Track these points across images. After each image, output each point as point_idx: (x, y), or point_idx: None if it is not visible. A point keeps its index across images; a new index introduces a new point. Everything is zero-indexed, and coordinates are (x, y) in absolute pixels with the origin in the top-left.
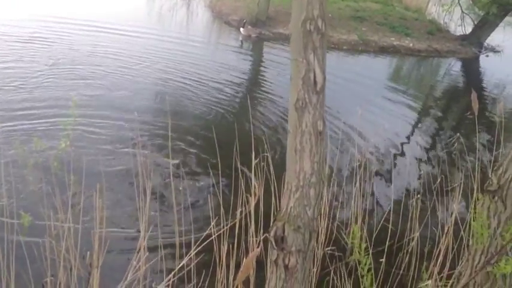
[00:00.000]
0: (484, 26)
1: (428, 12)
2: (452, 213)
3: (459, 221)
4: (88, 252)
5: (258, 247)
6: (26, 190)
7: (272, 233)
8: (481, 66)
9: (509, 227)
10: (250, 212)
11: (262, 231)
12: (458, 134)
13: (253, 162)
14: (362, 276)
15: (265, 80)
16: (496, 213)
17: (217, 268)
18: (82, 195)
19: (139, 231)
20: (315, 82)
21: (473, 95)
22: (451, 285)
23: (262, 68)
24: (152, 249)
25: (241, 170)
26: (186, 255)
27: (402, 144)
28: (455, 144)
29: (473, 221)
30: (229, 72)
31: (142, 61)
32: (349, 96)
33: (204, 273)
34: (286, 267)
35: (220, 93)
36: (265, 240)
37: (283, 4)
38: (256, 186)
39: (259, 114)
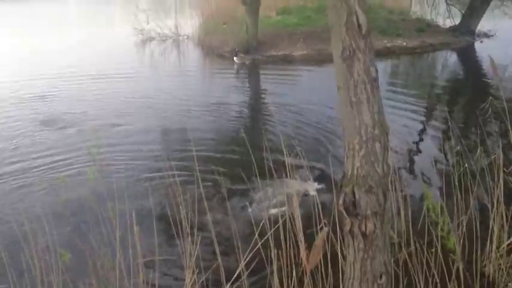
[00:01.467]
0: (472, 14)
1: (413, 12)
2: None
3: None
4: None
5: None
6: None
7: (341, 202)
8: (477, 52)
9: None
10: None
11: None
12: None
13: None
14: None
15: (266, 99)
16: None
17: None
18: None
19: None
20: (359, 26)
21: (491, 61)
22: None
23: (261, 89)
24: None
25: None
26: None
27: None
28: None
29: None
30: (232, 97)
31: (149, 104)
32: None
33: None
34: (363, 234)
35: (230, 118)
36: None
37: (271, 28)
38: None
39: (271, 123)
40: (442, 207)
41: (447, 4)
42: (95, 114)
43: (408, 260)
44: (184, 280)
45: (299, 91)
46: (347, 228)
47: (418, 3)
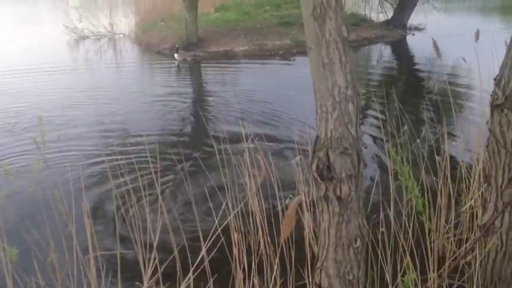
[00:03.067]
0: (404, 8)
1: (348, 8)
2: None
3: None
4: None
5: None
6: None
7: (314, 167)
8: (409, 45)
9: None
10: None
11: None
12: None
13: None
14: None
15: (209, 94)
16: (510, 127)
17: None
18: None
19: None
20: None
21: (434, 41)
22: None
23: (204, 84)
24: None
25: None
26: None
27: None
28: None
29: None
30: (175, 93)
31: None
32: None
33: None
34: (339, 198)
35: (173, 113)
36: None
37: (210, 25)
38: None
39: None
40: (408, 171)
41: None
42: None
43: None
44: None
45: (241, 84)
46: (321, 193)
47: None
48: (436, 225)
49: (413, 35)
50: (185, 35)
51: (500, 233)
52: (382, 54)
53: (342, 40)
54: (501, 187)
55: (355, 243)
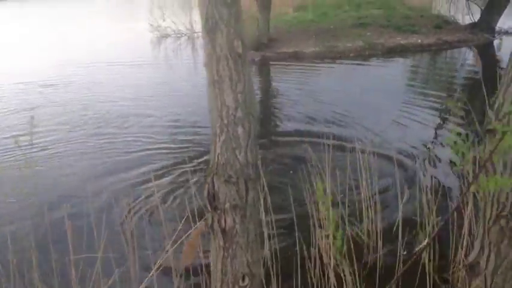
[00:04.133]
0: (492, 10)
1: (434, 8)
2: None
3: None
4: None
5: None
6: None
7: (205, 193)
8: (496, 50)
9: None
10: None
11: None
12: None
13: None
14: None
15: (276, 94)
16: (502, 154)
17: None
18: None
19: None
20: None
21: (475, 52)
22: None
23: (272, 85)
24: None
25: None
26: None
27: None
28: None
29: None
30: None
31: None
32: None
33: None
34: (223, 230)
35: None
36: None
37: (285, 25)
38: None
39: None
40: None
41: (466, 0)
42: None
43: None
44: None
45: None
46: (209, 222)
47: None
48: None
49: (500, 39)
50: (256, 35)
51: (485, 275)
52: (465, 60)
53: (233, 56)
54: (488, 222)
55: (242, 281)
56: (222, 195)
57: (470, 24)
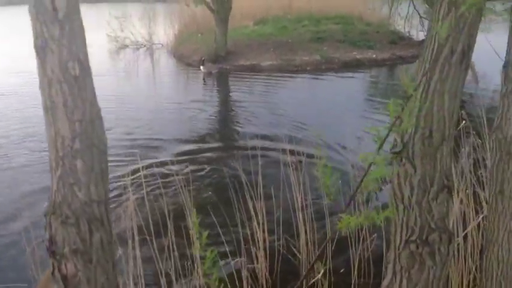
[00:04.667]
0: None
1: (391, 24)
2: None
3: None
4: None
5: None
6: None
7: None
8: None
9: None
10: None
11: None
12: None
13: None
14: None
15: (232, 107)
16: (407, 178)
17: None
18: None
19: None
20: (54, 8)
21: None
22: None
23: (228, 97)
24: None
25: None
26: None
27: None
28: None
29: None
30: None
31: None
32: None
33: None
34: (64, 278)
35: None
36: None
37: (244, 38)
38: None
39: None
40: None
41: (420, 17)
42: None
43: None
44: None
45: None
46: (50, 269)
47: (394, 16)
48: None
49: None
50: (214, 48)
51: None
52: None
53: (67, 80)
54: (398, 248)
55: None
56: (59, 238)
57: (423, 40)
